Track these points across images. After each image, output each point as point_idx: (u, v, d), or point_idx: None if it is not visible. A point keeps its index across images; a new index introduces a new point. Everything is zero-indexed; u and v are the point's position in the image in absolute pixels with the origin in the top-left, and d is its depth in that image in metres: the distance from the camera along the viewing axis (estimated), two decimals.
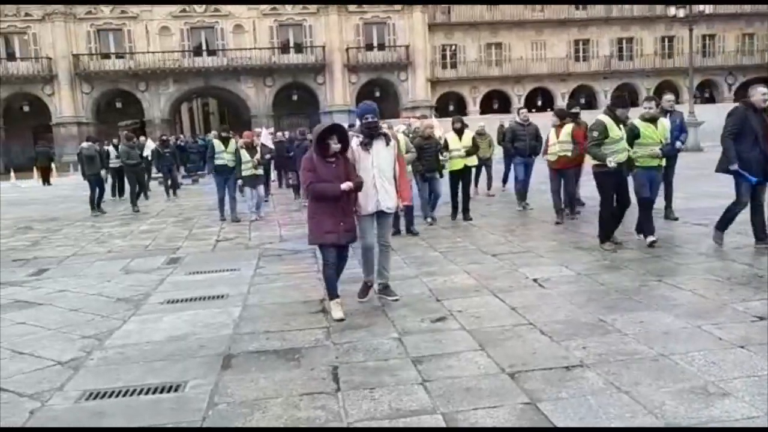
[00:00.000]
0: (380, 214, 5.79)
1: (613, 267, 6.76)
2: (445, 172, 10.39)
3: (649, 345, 4.44)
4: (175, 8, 37.15)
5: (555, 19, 41.34)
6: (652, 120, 7.72)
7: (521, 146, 11.36)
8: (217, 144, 12.15)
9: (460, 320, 5.22)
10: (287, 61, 38.63)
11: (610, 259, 7.16)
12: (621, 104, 7.57)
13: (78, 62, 36.38)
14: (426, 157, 9.79)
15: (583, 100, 40.14)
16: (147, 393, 4.15)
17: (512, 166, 12.21)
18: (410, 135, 10.95)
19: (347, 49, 38.91)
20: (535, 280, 6.41)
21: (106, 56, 37.25)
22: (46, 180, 26.33)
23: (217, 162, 12.03)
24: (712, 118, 19.70)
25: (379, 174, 5.67)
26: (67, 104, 36.60)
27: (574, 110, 10.54)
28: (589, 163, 7.87)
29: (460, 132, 10.46)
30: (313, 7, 38.40)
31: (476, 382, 3.99)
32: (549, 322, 5.03)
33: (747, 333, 4.56)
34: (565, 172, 9.83)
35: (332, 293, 5.59)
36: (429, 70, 40.42)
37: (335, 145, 5.35)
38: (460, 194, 10.53)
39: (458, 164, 10.22)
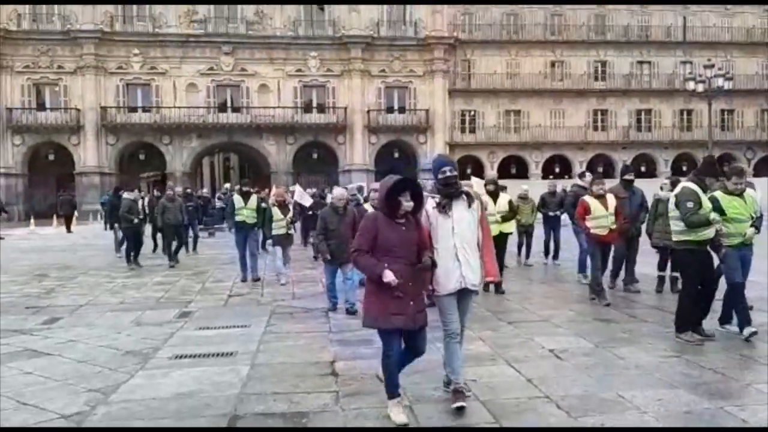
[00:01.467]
0: (462, 293, 4.71)
1: (632, 341, 6.60)
2: None
3: (669, 424, 4.27)
4: (203, 66, 38.15)
5: (574, 89, 41.86)
6: (738, 193, 6.63)
7: None
8: (237, 200, 11.69)
9: (474, 390, 5.07)
10: (309, 121, 39.30)
11: (629, 332, 6.99)
12: (711, 172, 6.70)
13: (105, 114, 37.24)
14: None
15: (600, 169, 40.23)
16: None
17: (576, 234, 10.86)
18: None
19: (368, 111, 39.55)
20: (551, 351, 6.26)
21: (133, 110, 38.12)
22: (68, 227, 26.78)
23: (237, 218, 11.55)
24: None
25: (461, 243, 4.65)
26: (91, 154, 37.29)
27: (628, 176, 9.76)
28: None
29: (494, 195, 10.01)
30: (337, 70, 39.26)
31: None
32: (566, 396, 4.87)
33: None
34: (608, 246, 8.95)
35: (392, 390, 4.52)
36: (448, 134, 40.88)
37: (407, 203, 4.33)
38: None
39: (492, 231, 9.72)
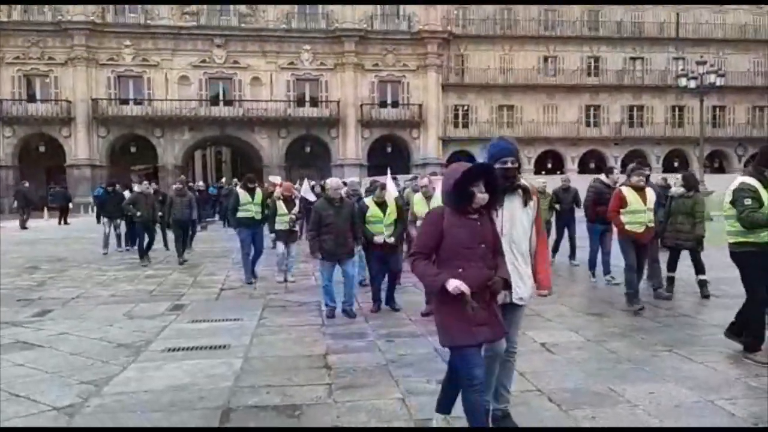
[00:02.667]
0: (508, 308, 3.92)
1: (624, 335, 6.63)
2: None
3: (660, 418, 4.31)
4: (195, 58, 37.98)
5: (567, 85, 41.91)
6: None
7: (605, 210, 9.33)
8: (243, 194, 10.91)
9: None
10: (302, 114, 39.22)
11: (620, 326, 7.03)
12: None
13: (96, 106, 37.03)
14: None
15: (593, 165, 40.36)
16: None
17: (592, 234, 10.26)
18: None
19: (361, 105, 39.49)
20: (543, 345, 6.29)
21: (125, 102, 37.93)
22: (64, 220, 26.69)
23: (242, 214, 10.79)
24: (723, 187, 19.70)
25: (510, 248, 3.90)
26: (82, 147, 37.08)
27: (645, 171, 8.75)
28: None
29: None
30: (330, 63, 39.18)
31: None
32: (557, 390, 4.90)
33: (761, 410, 4.43)
34: (644, 246, 8.03)
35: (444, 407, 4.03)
36: (441, 129, 40.88)
37: (482, 195, 3.57)
38: None
39: None
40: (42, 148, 37.48)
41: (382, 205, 8.18)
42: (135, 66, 37.67)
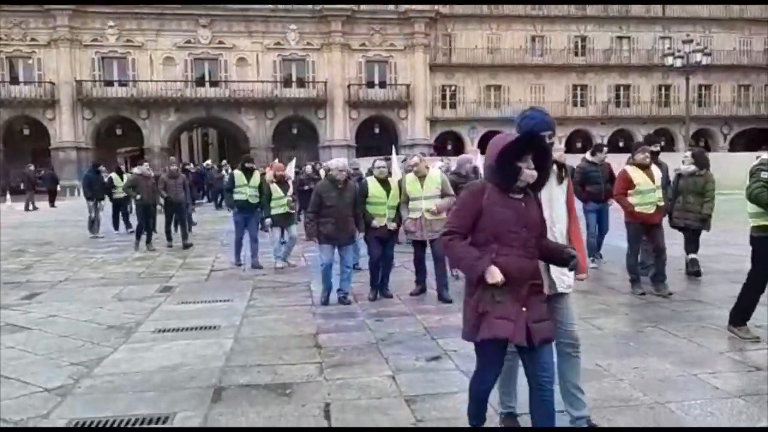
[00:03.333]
0: (557, 298, 3.57)
1: (609, 312, 6.73)
2: None
3: (644, 392, 4.39)
4: (179, 39, 37.60)
5: (554, 65, 41.91)
6: None
7: (595, 189, 9.19)
8: (239, 176, 10.52)
9: (456, 360, 5.16)
10: (289, 95, 38.99)
11: (606, 304, 7.12)
12: None
13: (81, 88, 36.63)
14: None
15: (579, 144, 40.49)
16: (135, 424, 4.08)
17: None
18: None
19: (349, 86, 39.31)
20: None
21: (109, 83, 37.54)
22: (51, 202, 26.60)
23: (238, 197, 10.43)
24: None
25: (553, 229, 3.53)
26: (67, 129, 36.74)
27: (654, 148, 8.39)
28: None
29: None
30: (316, 43, 38.91)
31: None
32: None
33: (744, 383, 4.53)
34: (656, 227, 7.57)
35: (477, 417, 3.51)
36: (428, 109, 40.80)
37: (530, 172, 3.15)
38: None
39: None
40: (26, 131, 37.08)
41: (385, 184, 7.63)
42: (119, 47, 37.24)
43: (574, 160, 12.13)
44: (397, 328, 6.12)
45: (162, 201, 13.09)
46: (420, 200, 7.39)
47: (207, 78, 38.57)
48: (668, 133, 42.69)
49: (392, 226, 7.54)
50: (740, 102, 44.22)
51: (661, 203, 7.50)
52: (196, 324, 6.60)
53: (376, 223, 7.49)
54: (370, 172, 9.51)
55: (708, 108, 43.70)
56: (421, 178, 7.51)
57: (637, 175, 7.40)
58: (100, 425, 4.06)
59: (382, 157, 8.59)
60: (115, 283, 9.12)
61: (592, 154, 9.53)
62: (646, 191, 7.37)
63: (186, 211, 13.31)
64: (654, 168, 7.58)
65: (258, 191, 10.39)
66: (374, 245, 7.58)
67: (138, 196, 12.86)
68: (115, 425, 4.06)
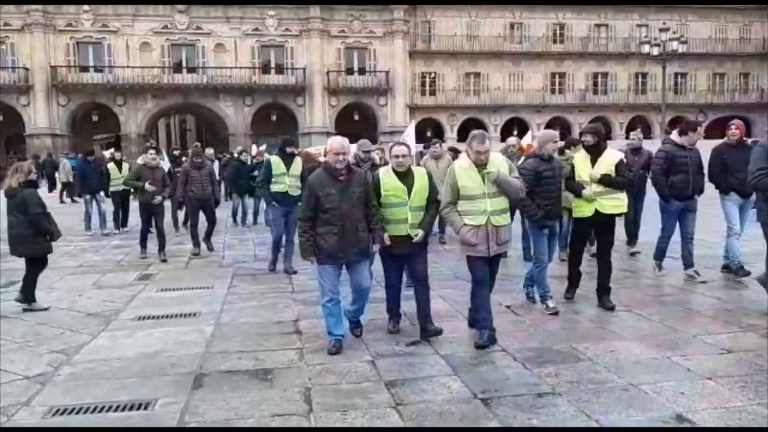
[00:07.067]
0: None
1: (586, 297, 6.82)
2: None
3: (619, 374, 4.50)
4: (156, 24, 37.08)
5: (532, 52, 42.00)
6: None
7: (680, 182, 7.29)
8: (277, 163, 8.72)
9: (434, 345, 5.23)
10: (268, 82, 38.67)
11: (583, 289, 7.22)
12: None
13: (56, 74, 36.01)
14: (546, 192, 6.08)
15: (557, 131, 40.69)
16: (116, 410, 4.10)
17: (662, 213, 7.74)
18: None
19: (328, 72, 39.10)
20: (508, 307, 6.45)
21: (85, 69, 36.92)
22: (51, 188, 26.31)
23: (276, 188, 8.67)
24: None
25: None
26: (42, 116, 36.15)
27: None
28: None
29: (594, 151, 6.32)
30: (295, 30, 38.61)
31: (448, 407, 4.00)
32: (522, 349, 5.07)
33: (715, 365, 4.65)
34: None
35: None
36: (408, 97, 40.75)
37: None
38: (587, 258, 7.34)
39: (585, 207, 6.30)
40: (0, 117, 36.45)
41: (405, 177, 5.41)
42: (94, 32, 36.61)
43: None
44: (377, 315, 6.16)
45: (165, 196, 10.60)
46: (482, 199, 5.20)
47: (184, 64, 38.08)
48: (645, 120, 43.05)
49: (419, 236, 5.40)
50: (715, 90, 44.71)
51: None
52: (176, 311, 6.60)
53: (385, 239, 5.37)
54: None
55: (684, 96, 44.13)
56: (480, 167, 5.22)
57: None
58: (82, 411, 4.08)
59: (398, 140, 6.99)
60: (94, 271, 9.07)
61: (682, 133, 7.47)
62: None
63: (214, 209, 11.03)
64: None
65: (299, 180, 8.52)
66: (391, 263, 5.63)
67: (153, 188, 10.12)
68: (97, 411, 4.07)
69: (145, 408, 4.12)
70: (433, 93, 41.76)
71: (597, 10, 42.70)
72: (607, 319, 5.92)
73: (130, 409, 4.11)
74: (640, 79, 43.69)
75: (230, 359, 5.01)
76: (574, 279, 6.69)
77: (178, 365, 4.90)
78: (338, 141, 5.27)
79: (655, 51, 27.12)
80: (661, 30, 28.34)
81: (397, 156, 5.39)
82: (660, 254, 7.83)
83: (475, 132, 5.31)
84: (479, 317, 5.33)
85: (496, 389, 4.28)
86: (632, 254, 9.23)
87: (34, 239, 6.80)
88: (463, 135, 39.65)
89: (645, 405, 3.97)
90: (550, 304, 6.23)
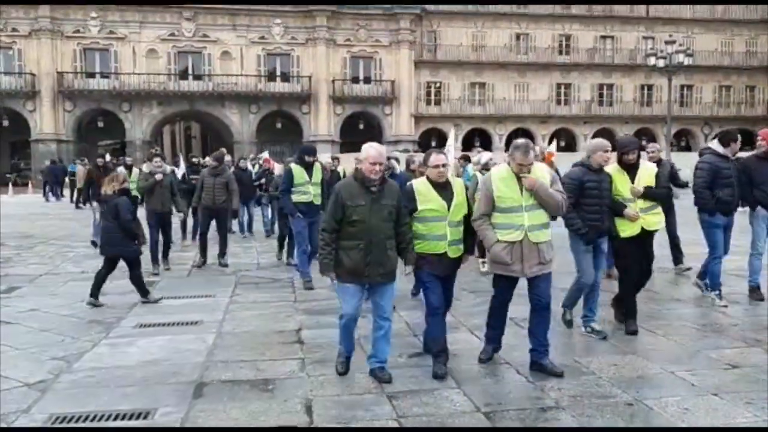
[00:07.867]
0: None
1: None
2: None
3: (623, 389, 4.45)
4: (163, 31, 37.28)
5: (538, 63, 42.06)
6: None
7: (727, 195, 6.74)
8: (298, 171, 8.36)
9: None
10: (273, 90, 38.81)
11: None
12: None
13: (62, 80, 36.21)
14: (591, 205, 5.59)
15: (563, 143, 40.69)
16: (116, 419, 4.08)
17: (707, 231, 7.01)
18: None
19: (333, 81, 39.22)
20: (512, 319, 6.40)
21: (91, 75, 37.12)
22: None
23: (298, 198, 8.29)
24: (689, 165, 20.02)
25: None
26: (48, 121, 36.32)
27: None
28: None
29: (630, 167, 5.83)
30: (301, 38, 38.77)
31: (451, 420, 3.97)
32: (525, 362, 5.02)
33: (720, 381, 4.60)
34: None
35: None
36: (413, 106, 40.81)
37: None
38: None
39: (631, 226, 5.80)
40: (5, 122, 36.60)
41: (443, 189, 4.84)
42: (101, 38, 36.83)
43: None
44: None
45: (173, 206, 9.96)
46: (520, 212, 4.77)
47: (190, 71, 38.27)
48: (650, 132, 43.02)
49: (459, 252, 4.98)
50: (721, 102, 44.66)
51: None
52: (178, 319, 6.58)
53: (409, 265, 4.87)
54: (408, 170, 8.25)
55: (689, 108, 44.09)
56: (519, 177, 4.80)
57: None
58: (82, 420, 4.05)
59: (437, 149, 5.87)
60: None
61: (723, 143, 6.83)
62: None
63: (229, 220, 10.62)
64: None
65: (321, 188, 8.41)
66: (433, 287, 4.90)
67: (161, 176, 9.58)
68: (97, 420, 4.05)
69: (145, 417, 4.09)
70: (438, 102, 41.83)
71: (603, 21, 42.77)
72: (611, 333, 5.87)
73: (130, 418, 4.09)
74: (645, 91, 43.68)
75: (231, 368, 4.98)
76: (630, 308, 5.98)
77: (179, 374, 4.87)
78: (376, 149, 4.68)
79: (661, 63, 27.11)
80: (667, 42, 28.37)
81: (437, 165, 4.79)
82: (716, 280, 6.95)
83: (518, 142, 4.84)
84: (492, 335, 5.20)
85: (499, 402, 4.25)
86: (685, 270, 8.49)
87: (123, 242, 7.40)
88: (466, 145, 39.69)
89: (649, 421, 3.93)
90: (596, 327, 5.78)
